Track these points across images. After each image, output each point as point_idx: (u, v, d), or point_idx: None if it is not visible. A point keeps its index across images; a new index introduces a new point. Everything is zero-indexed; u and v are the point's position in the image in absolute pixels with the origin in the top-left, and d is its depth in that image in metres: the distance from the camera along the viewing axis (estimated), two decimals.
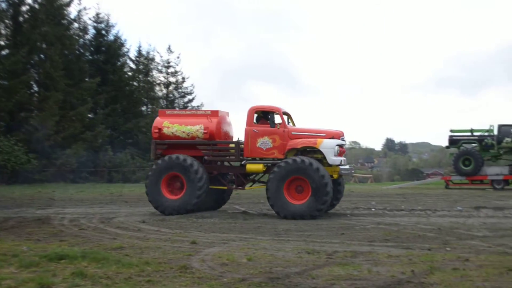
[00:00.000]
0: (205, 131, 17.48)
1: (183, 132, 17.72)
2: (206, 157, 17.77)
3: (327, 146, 16.79)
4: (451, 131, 36.52)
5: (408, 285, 7.39)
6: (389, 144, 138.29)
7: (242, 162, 17.72)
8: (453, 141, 36.05)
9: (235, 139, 18.47)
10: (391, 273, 8.14)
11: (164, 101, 52.89)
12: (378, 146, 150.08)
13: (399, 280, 7.65)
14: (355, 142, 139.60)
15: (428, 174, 74.02)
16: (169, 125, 17.80)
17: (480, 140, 34.97)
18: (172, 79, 53.40)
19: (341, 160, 16.79)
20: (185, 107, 52.87)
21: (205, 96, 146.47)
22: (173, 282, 7.67)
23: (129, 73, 51.02)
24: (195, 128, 17.61)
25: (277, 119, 17.16)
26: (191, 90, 53.84)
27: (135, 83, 50.73)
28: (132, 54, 52.35)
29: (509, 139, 33.90)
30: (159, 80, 53.15)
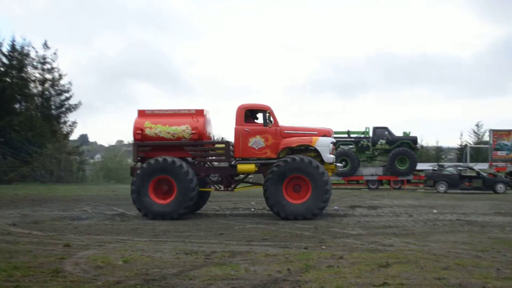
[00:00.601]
0: (194, 131, 16.67)
1: (168, 132, 16.77)
2: (194, 159, 17.12)
3: (323, 144, 16.70)
4: None
5: (284, 284, 7.53)
6: None
7: (233, 163, 17.13)
8: None
9: (217, 139, 17.69)
10: (268, 272, 8.27)
11: (40, 98, 50.60)
12: None
13: (276, 279, 7.79)
14: None
15: None
16: (151, 125, 16.79)
17: (357, 141, 36.43)
18: (48, 76, 51.18)
19: (333, 158, 16.83)
20: (61, 105, 50.97)
21: (83, 94, 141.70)
22: (44, 287, 7.35)
23: (1, 69, 48.40)
24: (180, 128, 16.73)
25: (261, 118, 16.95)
26: (69, 88, 51.87)
27: (7, 79, 48.16)
28: (5, 48, 49.62)
29: (383, 141, 35.60)
30: (34, 76, 50.78)
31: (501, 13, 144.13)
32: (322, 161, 16.41)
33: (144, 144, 16.86)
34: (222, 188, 17.46)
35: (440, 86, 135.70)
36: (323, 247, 10.69)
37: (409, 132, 36.23)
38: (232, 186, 17.30)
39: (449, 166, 33.99)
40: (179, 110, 17.12)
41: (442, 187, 30.32)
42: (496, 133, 38.38)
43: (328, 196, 16.06)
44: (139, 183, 16.18)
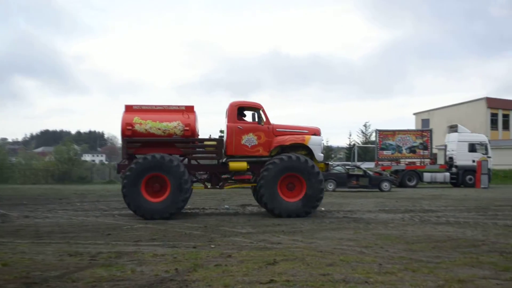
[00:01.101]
0: (187, 128, 16.44)
1: (159, 129, 16.44)
2: (185, 156, 16.81)
3: (315, 143, 17.05)
4: (221, 131, 37.84)
5: (171, 283, 7.46)
6: None
7: (224, 160, 17.06)
8: None
9: (205, 136, 17.43)
10: (155, 272, 8.16)
11: None
12: None
13: (162, 279, 7.70)
14: None
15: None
16: (141, 121, 16.34)
17: None
18: None
19: (323, 156, 17.08)
20: None
21: None
22: None
23: None
24: (172, 124, 16.46)
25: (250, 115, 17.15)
26: None
27: None
28: None
29: None
30: None
31: (388, 18, 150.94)
32: (312, 159, 16.76)
33: (134, 140, 16.44)
34: (210, 186, 17.27)
35: (330, 86, 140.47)
36: (212, 246, 10.71)
37: None
38: (221, 184, 17.22)
39: (338, 165, 35.12)
40: (168, 106, 16.88)
41: (330, 186, 31.28)
42: (382, 133, 40.12)
43: (322, 195, 16.44)
44: (132, 182, 15.69)
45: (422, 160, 39.18)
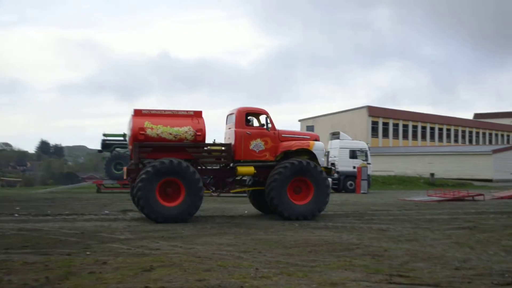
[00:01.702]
0: (199, 133, 16.81)
1: (170, 133, 16.62)
2: (197, 161, 17.13)
3: (319, 148, 18.16)
4: (104, 135, 37.13)
5: None
6: (44, 146, 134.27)
7: (231, 165, 17.53)
8: (106, 145, 36.69)
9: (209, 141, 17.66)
10: (24, 281, 7.85)
11: None
12: (31, 148, 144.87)
13: None
14: (6, 144, 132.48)
15: (83, 178, 74.17)
16: (152, 126, 16.49)
17: None
18: None
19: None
20: None
21: None
22: None
23: None
24: (183, 129, 16.72)
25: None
26: None
27: None
28: None
29: None
30: None
31: (277, 26, 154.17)
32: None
33: (146, 145, 16.58)
34: (215, 190, 18.02)
35: (219, 91, 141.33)
36: (88, 253, 10.45)
37: None
38: (226, 188, 18.05)
39: None
40: (177, 111, 17.14)
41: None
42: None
43: (328, 199, 17.54)
44: (146, 187, 15.79)
45: None
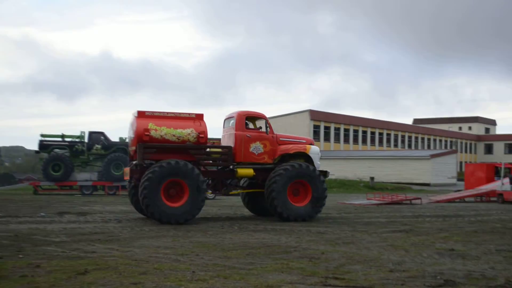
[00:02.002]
0: (202, 135, 17.29)
1: (173, 135, 17.07)
2: (198, 162, 17.49)
3: (314, 152, 18.88)
4: (42, 135, 36.37)
5: None
6: None
7: (231, 167, 18.09)
8: (43, 146, 35.93)
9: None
10: None
11: None
12: None
13: None
14: None
15: (20, 179, 72.39)
16: (156, 127, 16.92)
17: (71, 145, 35.66)
18: None
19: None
20: None
21: None
22: None
23: None
24: (186, 131, 17.18)
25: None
26: None
27: None
28: None
29: (99, 146, 35.38)
30: None
31: (222, 29, 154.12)
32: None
33: (151, 146, 16.87)
34: (214, 192, 18.62)
35: (161, 93, 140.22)
36: (21, 256, 10.21)
37: (126, 138, 36.56)
38: (225, 189, 18.79)
39: None
40: (179, 113, 17.68)
41: None
42: (209, 142, 40.66)
43: (325, 201, 18.34)
44: (152, 187, 16.14)
45: None
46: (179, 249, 11.38)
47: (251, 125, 18.90)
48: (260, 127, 18.71)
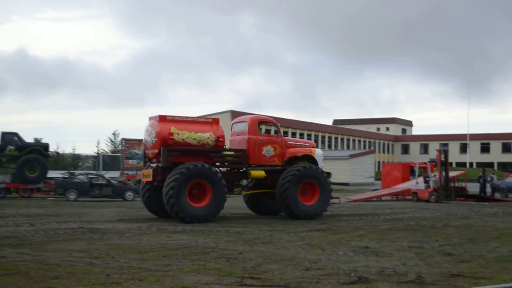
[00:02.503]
0: (221, 139, 18.68)
1: (194, 139, 18.19)
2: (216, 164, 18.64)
3: (319, 155, 20.55)
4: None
5: None
6: None
7: (244, 169, 19.31)
8: None
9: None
10: None
11: None
12: None
13: None
14: None
15: None
16: (178, 131, 17.98)
17: None
18: None
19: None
20: None
21: None
22: None
23: None
24: (205, 135, 18.37)
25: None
26: None
27: None
28: None
29: (12, 147, 34.18)
30: None
31: (142, 28, 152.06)
32: None
33: (174, 149, 17.89)
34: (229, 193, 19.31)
35: (80, 93, 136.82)
36: None
37: (41, 139, 35.55)
38: (236, 190, 20.39)
39: (80, 174, 34.32)
40: (197, 118, 19.80)
41: (72, 195, 30.39)
42: (128, 142, 40.28)
43: (330, 200, 20.34)
44: (179, 188, 17.09)
45: None
46: (93, 252, 11.18)
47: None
48: (268, 131, 21.39)
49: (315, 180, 19.41)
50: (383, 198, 34.57)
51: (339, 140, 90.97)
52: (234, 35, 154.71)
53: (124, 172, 39.21)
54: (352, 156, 61.91)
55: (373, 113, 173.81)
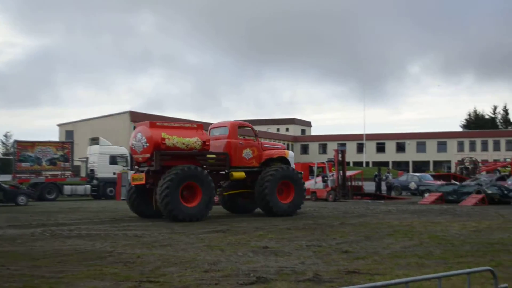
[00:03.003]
0: (207, 143, 20.35)
1: (183, 143, 19.68)
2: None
3: (291, 156, 22.90)
4: None
5: None
6: None
7: (226, 171, 20.87)
8: None
9: None
10: None
11: None
12: None
13: None
14: None
15: None
16: (168, 136, 19.36)
17: None
18: None
19: None
20: None
21: None
22: None
23: None
24: (193, 140, 19.87)
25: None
26: None
27: None
28: None
29: None
30: None
31: (35, 25, 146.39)
32: None
33: (166, 153, 19.36)
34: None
35: None
36: None
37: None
38: (219, 190, 22.02)
39: None
40: (183, 123, 22.31)
41: None
42: (21, 145, 38.72)
43: (304, 199, 22.95)
44: (173, 188, 18.52)
45: (63, 172, 38.81)
46: None
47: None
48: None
49: (291, 180, 21.43)
50: None
51: None
52: (133, 35, 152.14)
53: (17, 175, 37.61)
54: None
55: (273, 114, 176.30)
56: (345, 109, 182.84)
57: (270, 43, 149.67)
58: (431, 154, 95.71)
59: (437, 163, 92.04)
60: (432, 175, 44.31)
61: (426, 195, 31.58)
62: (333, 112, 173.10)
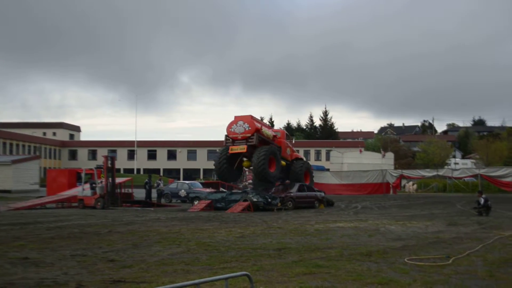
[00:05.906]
0: (277, 137, 34.89)
1: (267, 135, 32.79)
2: None
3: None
4: None
5: None
6: None
7: None
8: None
9: None
10: None
11: None
12: None
13: None
14: None
15: None
16: (263, 128, 32.87)
17: None
18: None
19: None
20: None
21: None
22: None
23: None
24: (270, 133, 33.44)
25: None
26: None
27: None
28: None
29: None
30: None
31: None
32: None
33: (261, 136, 31.58)
34: None
35: None
36: None
37: None
38: None
39: None
40: (262, 121, 35.34)
41: None
42: None
43: (313, 184, 36.26)
44: (267, 158, 30.45)
45: None
46: None
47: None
48: None
49: (309, 172, 37.09)
50: (48, 205, 33.67)
51: (1, 145, 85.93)
52: None
53: None
54: (15, 161, 58.94)
55: (41, 117, 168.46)
56: (117, 115, 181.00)
57: (36, 44, 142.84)
58: (202, 162, 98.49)
59: (207, 171, 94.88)
60: (201, 183, 45.58)
61: (196, 202, 32.39)
62: (105, 117, 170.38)
